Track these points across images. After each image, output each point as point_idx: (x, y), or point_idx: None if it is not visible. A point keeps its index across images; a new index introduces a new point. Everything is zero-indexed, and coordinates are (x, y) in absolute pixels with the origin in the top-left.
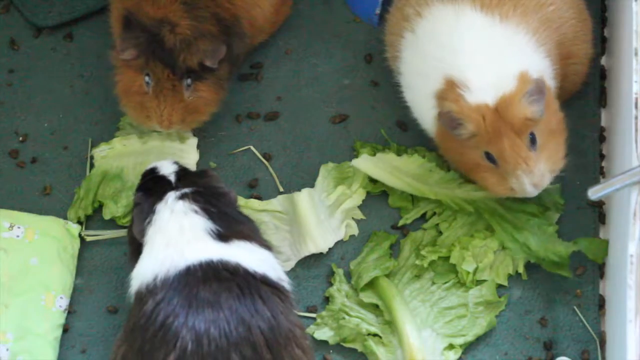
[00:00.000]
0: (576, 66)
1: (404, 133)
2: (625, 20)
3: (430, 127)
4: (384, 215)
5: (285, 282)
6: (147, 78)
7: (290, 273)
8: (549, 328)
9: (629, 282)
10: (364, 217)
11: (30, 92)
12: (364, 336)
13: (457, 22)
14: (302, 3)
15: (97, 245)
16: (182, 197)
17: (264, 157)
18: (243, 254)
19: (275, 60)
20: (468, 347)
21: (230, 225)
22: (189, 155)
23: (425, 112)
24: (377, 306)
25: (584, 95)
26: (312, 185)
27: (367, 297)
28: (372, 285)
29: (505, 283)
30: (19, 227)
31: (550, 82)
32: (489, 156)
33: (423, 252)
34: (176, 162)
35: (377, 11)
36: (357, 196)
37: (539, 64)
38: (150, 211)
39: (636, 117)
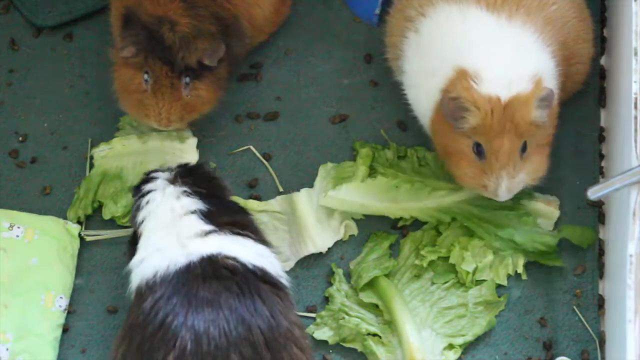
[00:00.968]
0: (578, 66)
1: (404, 133)
2: (625, 20)
3: (428, 118)
4: (382, 215)
5: (284, 278)
6: (145, 76)
7: (290, 273)
8: (549, 328)
9: (629, 282)
10: (363, 217)
11: (30, 92)
12: (364, 336)
13: (465, 20)
14: (302, 3)
15: (97, 245)
16: (173, 180)
17: (264, 157)
18: (241, 248)
19: (275, 60)
20: (468, 347)
21: (222, 210)
22: (189, 155)
23: (426, 109)
24: (376, 306)
25: (584, 95)
26: (311, 185)
27: (367, 297)
28: (371, 285)
29: (505, 283)
30: (18, 227)
31: (554, 84)
32: (478, 148)
33: (423, 252)
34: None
35: (377, 11)
36: None
37: (546, 65)
38: (141, 192)
39: (636, 117)
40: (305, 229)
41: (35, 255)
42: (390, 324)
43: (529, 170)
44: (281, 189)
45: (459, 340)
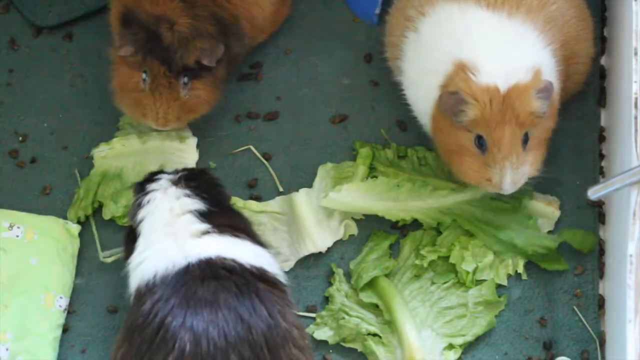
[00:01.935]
0: (578, 66)
1: (404, 133)
2: (625, 20)
3: (428, 116)
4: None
5: (282, 277)
6: (144, 75)
7: (290, 273)
8: (549, 328)
9: (629, 282)
10: (363, 217)
11: (30, 92)
12: (364, 336)
13: (464, 16)
14: (302, 3)
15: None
16: (175, 181)
17: (264, 157)
18: (239, 249)
19: (275, 60)
20: (468, 347)
21: (222, 213)
22: (189, 155)
23: (426, 108)
24: (376, 306)
25: (584, 95)
26: (311, 185)
27: (367, 297)
28: (371, 285)
29: (505, 283)
30: (18, 227)
31: (555, 83)
32: (480, 141)
33: (423, 252)
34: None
35: (377, 11)
36: None
37: (547, 62)
38: (143, 191)
39: (636, 117)
40: (305, 229)
41: (35, 255)
42: (390, 324)
43: (530, 163)
44: (281, 189)
45: (459, 340)
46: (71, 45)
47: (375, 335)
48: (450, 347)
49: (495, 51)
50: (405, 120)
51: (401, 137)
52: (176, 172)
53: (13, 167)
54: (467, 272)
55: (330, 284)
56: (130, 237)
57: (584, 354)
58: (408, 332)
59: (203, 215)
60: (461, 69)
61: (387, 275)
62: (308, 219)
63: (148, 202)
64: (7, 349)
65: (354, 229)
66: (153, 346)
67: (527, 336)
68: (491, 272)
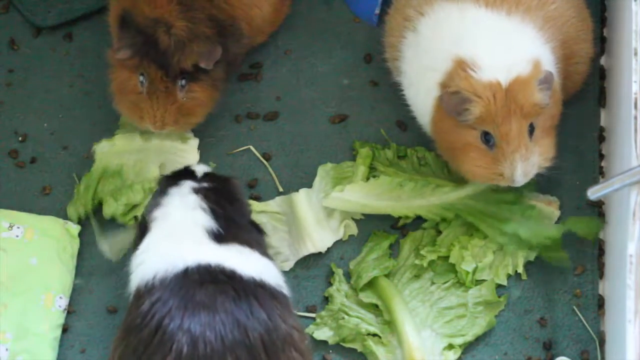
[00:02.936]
0: (578, 65)
1: (404, 133)
2: (625, 20)
3: (428, 117)
4: (383, 215)
5: (285, 289)
6: (141, 78)
7: (290, 273)
8: (549, 328)
9: (629, 282)
10: (363, 217)
11: (30, 92)
12: (364, 336)
13: (463, 16)
14: (302, 3)
15: (97, 245)
16: (196, 190)
17: (264, 157)
18: (241, 260)
19: (275, 60)
20: (467, 347)
21: (233, 229)
22: (190, 155)
23: (426, 107)
24: (376, 306)
25: (584, 95)
26: (311, 186)
27: (367, 297)
28: (371, 285)
29: (505, 283)
30: (18, 227)
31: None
32: (486, 137)
33: (422, 252)
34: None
35: (377, 11)
36: None
37: (546, 57)
38: (163, 193)
39: (635, 117)
40: (305, 229)
41: (35, 255)
42: (390, 324)
43: (539, 153)
44: (281, 189)
45: (459, 340)
46: (71, 45)
47: (375, 335)
48: (450, 347)
49: (494, 47)
50: (405, 120)
51: (401, 137)
52: (203, 176)
53: (13, 167)
54: (467, 272)
55: (330, 284)
56: (142, 227)
57: (584, 354)
58: (408, 332)
59: (213, 231)
60: (460, 67)
61: (387, 275)
62: (308, 219)
63: (165, 204)
64: (7, 349)
65: (353, 229)
66: (150, 348)
67: (527, 336)
68: (491, 272)
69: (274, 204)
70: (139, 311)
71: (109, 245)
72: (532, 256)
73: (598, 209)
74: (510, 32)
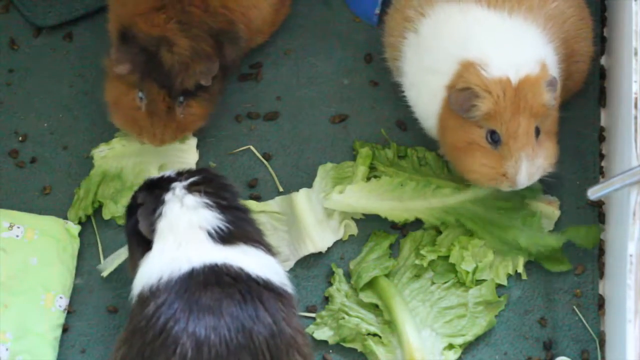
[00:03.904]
0: (578, 64)
1: (404, 133)
2: (625, 20)
3: (434, 121)
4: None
5: (288, 287)
6: (140, 94)
7: (290, 273)
8: (549, 328)
9: (629, 282)
10: (363, 217)
11: (30, 92)
12: (364, 336)
13: (466, 17)
14: (302, 3)
15: (97, 245)
16: (190, 188)
17: (264, 157)
18: (247, 259)
19: (275, 60)
20: (468, 347)
21: (239, 224)
22: (189, 155)
23: (429, 109)
24: (376, 306)
25: (584, 95)
26: (311, 186)
27: (367, 296)
28: (371, 285)
29: (505, 283)
30: (18, 227)
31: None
32: (492, 136)
33: (423, 252)
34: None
35: (377, 11)
36: None
37: (550, 58)
38: (158, 203)
39: (636, 117)
40: (305, 228)
41: (35, 255)
42: (390, 324)
43: (546, 155)
44: (281, 189)
45: (459, 340)
46: (71, 45)
47: (375, 335)
48: (450, 347)
49: (502, 46)
50: (405, 120)
51: (401, 137)
52: (180, 174)
53: (13, 167)
54: (467, 272)
55: (330, 284)
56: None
57: (584, 354)
58: (408, 332)
59: (218, 229)
60: (469, 68)
61: (387, 275)
62: (308, 219)
63: (166, 213)
64: (7, 349)
65: (354, 229)
66: (154, 350)
67: (527, 336)
68: (491, 272)
69: (274, 204)
70: (144, 313)
71: (107, 264)
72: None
73: (598, 209)
74: (515, 32)
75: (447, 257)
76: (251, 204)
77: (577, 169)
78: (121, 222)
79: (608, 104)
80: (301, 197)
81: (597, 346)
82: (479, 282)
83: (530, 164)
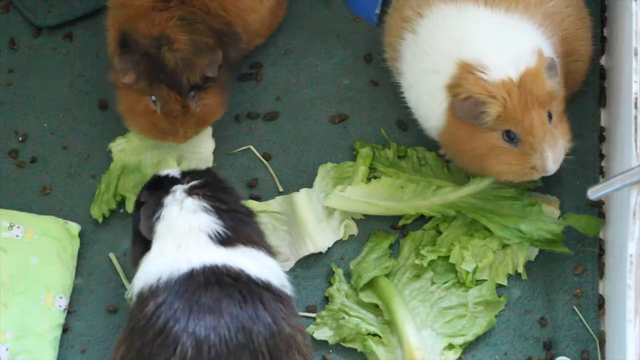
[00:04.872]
0: (577, 63)
1: (404, 133)
2: (625, 20)
3: (435, 122)
4: (383, 215)
5: (288, 289)
6: (153, 97)
7: (290, 273)
8: (549, 328)
9: (629, 282)
10: (363, 217)
11: (30, 92)
12: (364, 336)
13: (463, 16)
14: (302, 3)
15: (97, 245)
16: (190, 192)
17: (264, 157)
18: (247, 261)
19: (275, 60)
20: (468, 347)
21: (238, 226)
22: (205, 144)
23: (430, 110)
24: (376, 306)
25: (584, 95)
26: (311, 186)
27: (367, 296)
28: (371, 285)
29: (505, 283)
30: (18, 227)
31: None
32: (508, 135)
33: (423, 252)
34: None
35: (377, 11)
36: None
37: (547, 51)
38: (158, 205)
39: (636, 117)
40: (305, 228)
41: (35, 255)
42: (390, 324)
43: (563, 135)
44: (281, 189)
45: (459, 340)
46: (71, 45)
47: (375, 335)
48: (450, 347)
49: (498, 45)
50: (405, 120)
51: (401, 137)
52: (185, 175)
53: (13, 167)
54: (467, 272)
55: (330, 284)
56: (139, 243)
57: (584, 354)
58: (408, 332)
59: (218, 232)
60: (467, 70)
61: (387, 275)
62: (308, 219)
63: (164, 216)
64: (7, 349)
65: (354, 229)
66: (154, 349)
67: (527, 336)
68: (491, 272)
69: (274, 204)
70: (144, 313)
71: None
72: (532, 256)
73: (598, 209)
74: (511, 28)
75: (447, 257)
76: (251, 204)
77: (577, 169)
78: None
79: (608, 104)
80: (301, 197)
81: (597, 346)
82: (479, 282)
83: (554, 151)
